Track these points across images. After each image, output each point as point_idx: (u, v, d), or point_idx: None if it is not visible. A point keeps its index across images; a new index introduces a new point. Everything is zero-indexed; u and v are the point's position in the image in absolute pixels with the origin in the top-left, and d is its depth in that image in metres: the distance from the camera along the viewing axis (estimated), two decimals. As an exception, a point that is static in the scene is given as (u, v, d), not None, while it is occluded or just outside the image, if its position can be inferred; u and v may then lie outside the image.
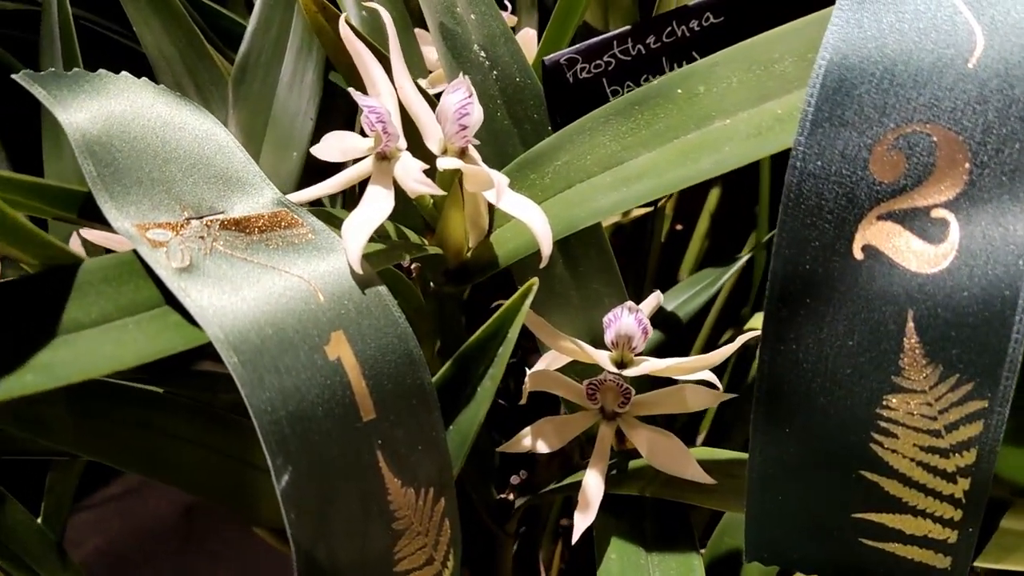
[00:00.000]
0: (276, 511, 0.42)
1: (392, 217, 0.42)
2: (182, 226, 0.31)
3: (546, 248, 0.34)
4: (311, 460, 0.28)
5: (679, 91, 0.35)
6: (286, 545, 0.28)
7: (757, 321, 0.68)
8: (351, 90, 0.35)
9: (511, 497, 0.49)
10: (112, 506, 0.92)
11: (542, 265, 0.35)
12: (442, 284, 0.44)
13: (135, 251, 0.29)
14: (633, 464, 0.45)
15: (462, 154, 0.37)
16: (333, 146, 0.38)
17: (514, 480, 0.50)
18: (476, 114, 0.35)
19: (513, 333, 0.34)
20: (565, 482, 0.47)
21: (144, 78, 0.35)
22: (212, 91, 0.53)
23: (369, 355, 0.31)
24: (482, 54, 0.43)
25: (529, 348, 0.65)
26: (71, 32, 0.62)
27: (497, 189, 0.32)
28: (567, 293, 0.47)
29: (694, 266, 0.77)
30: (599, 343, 0.46)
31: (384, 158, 0.36)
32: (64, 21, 0.63)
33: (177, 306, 0.29)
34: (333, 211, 0.38)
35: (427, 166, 0.34)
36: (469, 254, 0.42)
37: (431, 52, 0.58)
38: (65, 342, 0.25)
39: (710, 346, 0.68)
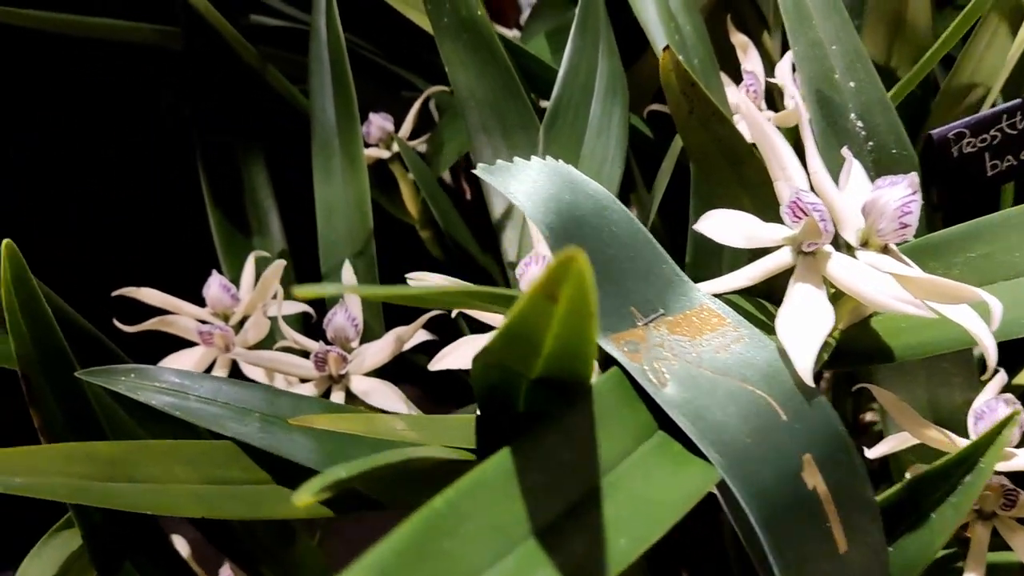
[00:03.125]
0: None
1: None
2: (642, 334, 0.30)
3: (993, 360, 0.32)
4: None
5: None
6: None
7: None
8: (788, 186, 0.34)
9: None
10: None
11: (985, 377, 0.32)
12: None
13: (620, 367, 0.28)
14: (990, 559, 0.42)
15: (884, 249, 0.35)
16: (730, 228, 0.36)
17: None
18: (917, 211, 0.33)
19: (988, 463, 0.32)
20: None
21: (549, 158, 0.34)
22: (520, 135, 0.52)
23: (832, 477, 0.30)
24: (859, 123, 0.41)
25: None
26: (342, 55, 0.62)
27: (993, 315, 0.30)
28: (915, 371, 0.45)
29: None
30: (941, 422, 0.43)
31: (809, 253, 0.34)
32: (334, 43, 0.63)
33: (671, 429, 0.27)
34: (737, 300, 0.36)
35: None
36: (837, 335, 0.40)
37: (733, 94, 0.56)
38: (612, 487, 0.24)
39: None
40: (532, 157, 0.33)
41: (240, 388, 0.42)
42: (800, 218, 0.34)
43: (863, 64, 0.41)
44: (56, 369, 0.37)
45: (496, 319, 0.47)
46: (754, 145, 0.51)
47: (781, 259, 0.35)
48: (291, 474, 0.41)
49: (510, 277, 0.54)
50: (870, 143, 0.41)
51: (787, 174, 0.36)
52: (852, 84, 0.41)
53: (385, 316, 0.59)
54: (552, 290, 0.19)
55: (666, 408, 0.27)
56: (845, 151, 0.38)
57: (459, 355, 0.47)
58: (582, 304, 0.20)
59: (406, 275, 0.50)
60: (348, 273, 0.58)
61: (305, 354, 0.53)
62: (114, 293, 0.57)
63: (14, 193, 0.81)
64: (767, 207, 0.50)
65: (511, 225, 0.53)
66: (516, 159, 0.32)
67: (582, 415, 0.25)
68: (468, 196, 0.79)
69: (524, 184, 0.32)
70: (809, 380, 0.30)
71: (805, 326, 0.32)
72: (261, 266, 0.59)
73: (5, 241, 0.34)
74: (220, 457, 0.38)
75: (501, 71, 0.50)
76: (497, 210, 0.53)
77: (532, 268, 0.47)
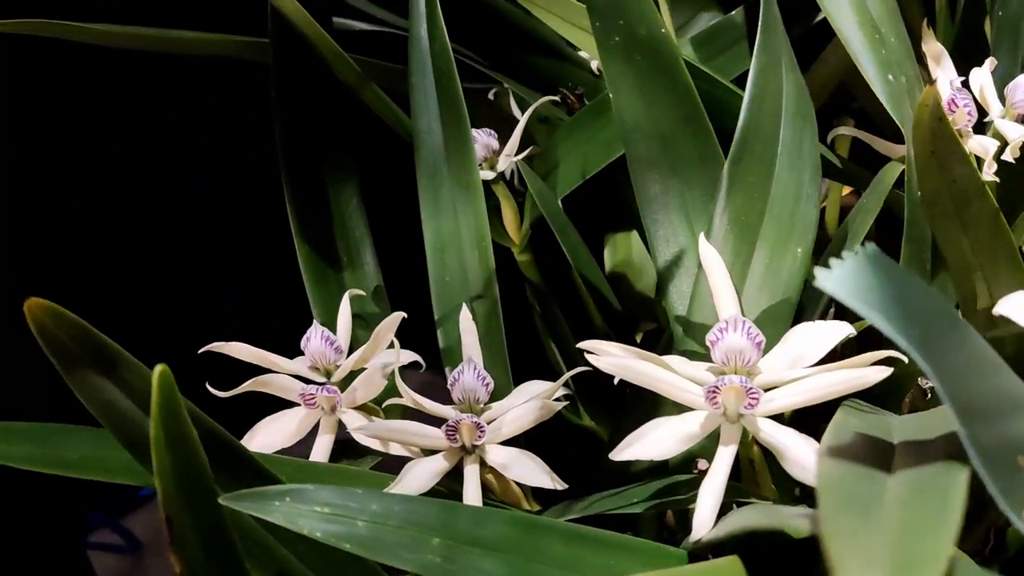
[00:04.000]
0: None
1: None
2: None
3: None
4: None
5: None
6: None
7: None
8: None
9: None
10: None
11: None
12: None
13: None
14: None
15: None
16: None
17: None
18: None
19: None
20: None
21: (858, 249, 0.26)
22: (695, 170, 0.44)
23: None
24: None
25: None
26: (451, 69, 0.54)
27: None
28: None
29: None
30: None
31: None
32: (440, 55, 0.55)
33: None
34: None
35: None
36: None
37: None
38: None
39: None
40: (854, 252, 0.25)
41: (412, 505, 0.34)
42: None
43: None
44: (201, 506, 0.30)
45: (670, 388, 0.40)
46: (986, 183, 0.43)
47: None
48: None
49: (675, 332, 0.46)
50: None
51: None
52: None
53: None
54: None
55: None
56: None
57: (651, 441, 0.39)
58: None
59: (578, 345, 0.42)
60: (467, 321, 0.51)
61: (425, 417, 0.46)
62: (202, 350, 0.49)
63: (15, 190, 0.79)
64: (987, 252, 0.43)
65: (682, 275, 0.45)
66: (845, 257, 0.25)
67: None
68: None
69: (854, 287, 0.24)
70: None
71: None
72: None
73: (159, 367, 0.26)
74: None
75: (682, 100, 0.42)
76: (663, 256, 0.45)
77: (730, 335, 0.39)
